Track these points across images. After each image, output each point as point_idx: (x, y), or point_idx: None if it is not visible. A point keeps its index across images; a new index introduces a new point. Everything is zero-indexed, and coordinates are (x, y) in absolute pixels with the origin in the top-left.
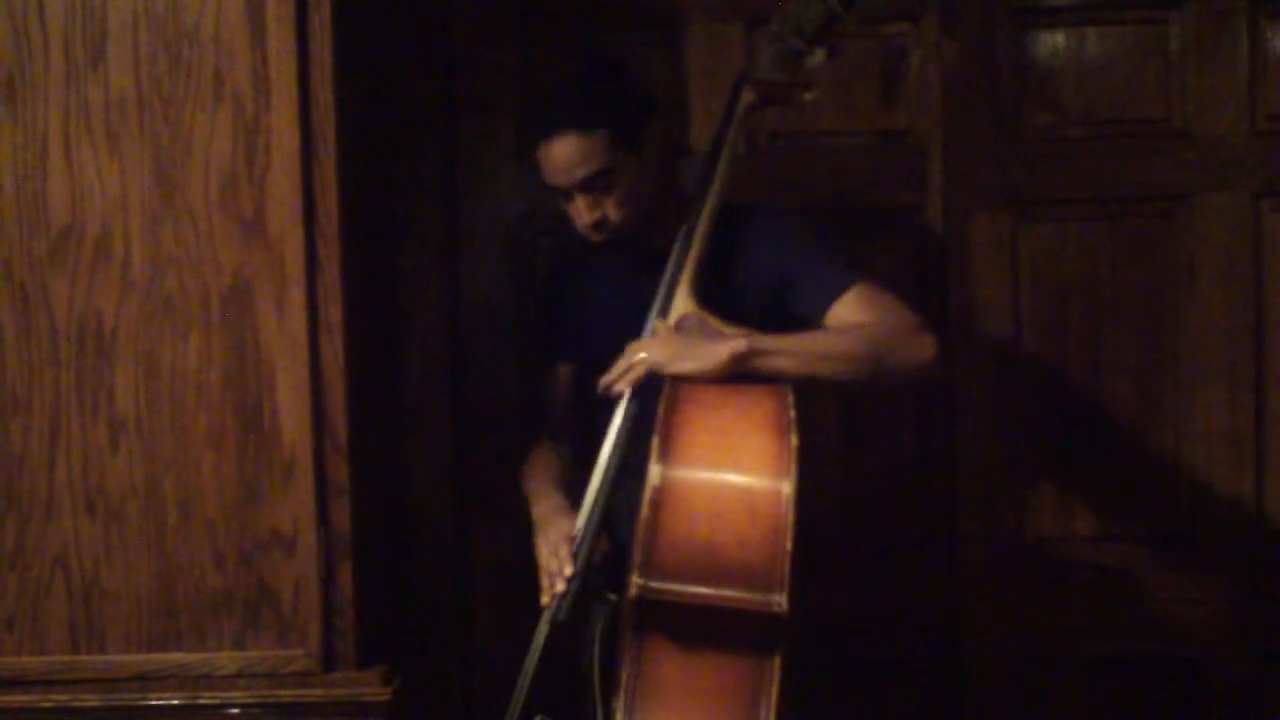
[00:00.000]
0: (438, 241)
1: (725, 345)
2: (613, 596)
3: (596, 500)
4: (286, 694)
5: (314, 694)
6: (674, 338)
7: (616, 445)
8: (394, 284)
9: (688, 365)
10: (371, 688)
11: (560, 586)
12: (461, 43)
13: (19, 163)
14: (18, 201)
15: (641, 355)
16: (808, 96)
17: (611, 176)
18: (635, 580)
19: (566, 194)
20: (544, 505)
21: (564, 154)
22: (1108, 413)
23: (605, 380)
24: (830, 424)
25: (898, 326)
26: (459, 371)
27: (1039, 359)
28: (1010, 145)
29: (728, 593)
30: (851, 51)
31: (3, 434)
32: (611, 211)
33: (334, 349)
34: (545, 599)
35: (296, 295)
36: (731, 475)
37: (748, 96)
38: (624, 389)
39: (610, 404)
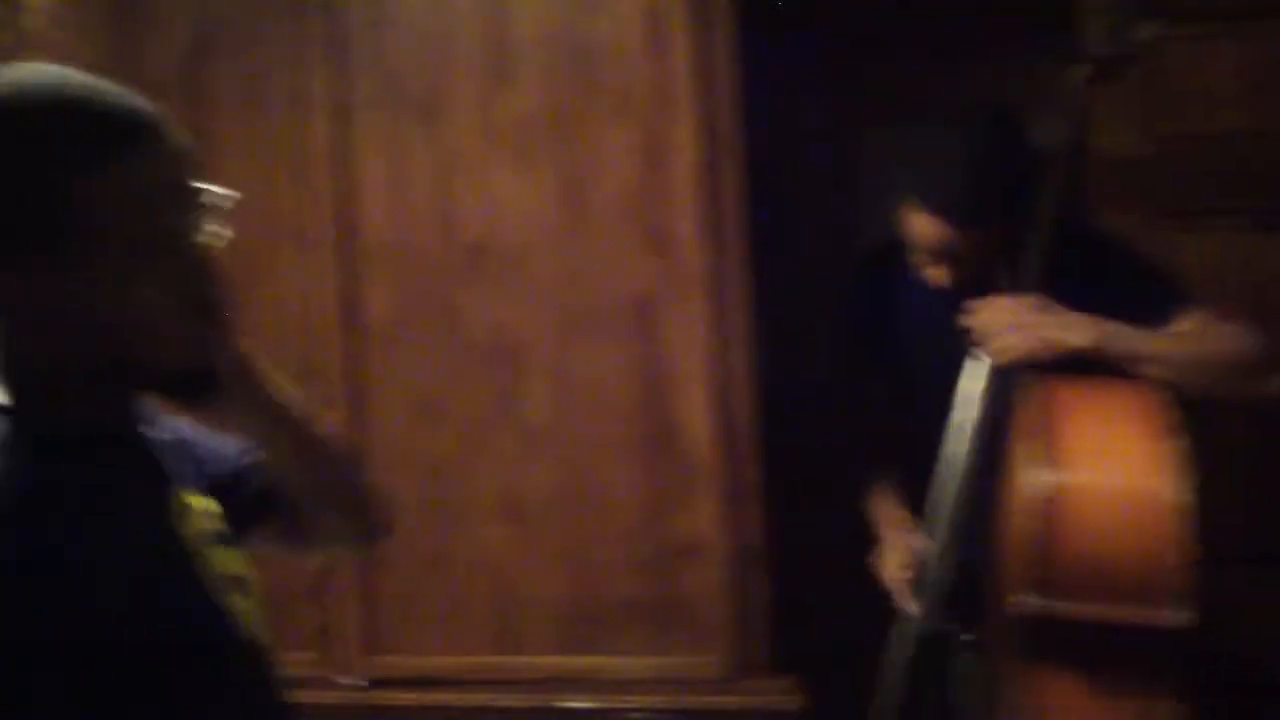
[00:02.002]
0: (822, 249)
1: (1089, 322)
2: (966, 636)
3: (951, 511)
4: (698, 701)
5: (728, 700)
6: (1032, 312)
7: (963, 449)
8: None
9: (1071, 336)
10: (784, 695)
11: (915, 607)
12: (864, 55)
13: (434, 180)
14: (434, 218)
15: (1007, 329)
16: (1137, 70)
17: (989, 248)
18: (1028, 600)
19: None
20: (884, 520)
21: (956, 242)
22: None
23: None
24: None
25: (1256, 349)
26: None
27: None
28: None
29: (1133, 609)
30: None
31: (426, 440)
32: (973, 269)
33: (740, 357)
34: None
35: (701, 306)
36: (1126, 482)
37: (1079, 73)
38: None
39: (939, 414)
